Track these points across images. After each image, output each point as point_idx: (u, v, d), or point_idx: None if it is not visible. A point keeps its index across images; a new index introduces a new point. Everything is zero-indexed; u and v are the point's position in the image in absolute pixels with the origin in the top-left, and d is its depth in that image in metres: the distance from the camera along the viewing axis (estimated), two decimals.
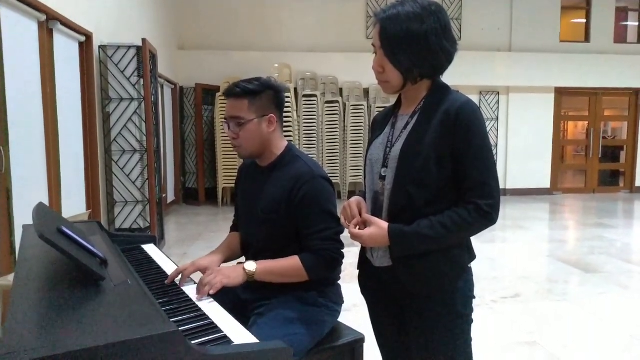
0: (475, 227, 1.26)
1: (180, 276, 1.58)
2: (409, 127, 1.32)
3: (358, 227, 1.33)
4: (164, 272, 1.67)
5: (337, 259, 1.59)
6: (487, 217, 1.24)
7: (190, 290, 1.52)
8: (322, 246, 1.56)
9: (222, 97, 7.91)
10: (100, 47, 4.45)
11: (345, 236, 1.36)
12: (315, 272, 1.57)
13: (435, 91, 1.32)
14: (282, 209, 1.60)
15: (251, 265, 1.52)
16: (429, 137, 1.26)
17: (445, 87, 1.33)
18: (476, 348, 1.41)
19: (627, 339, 2.93)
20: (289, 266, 1.55)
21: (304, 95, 8.09)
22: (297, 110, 7.98)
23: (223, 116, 1.67)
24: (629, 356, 2.71)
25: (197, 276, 1.66)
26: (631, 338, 2.94)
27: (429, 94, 1.33)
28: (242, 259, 1.81)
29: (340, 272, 1.74)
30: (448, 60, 1.30)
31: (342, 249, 1.61)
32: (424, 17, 1.24)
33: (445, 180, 1.26)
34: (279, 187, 1.62)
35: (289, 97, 7.49)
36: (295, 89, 8.21)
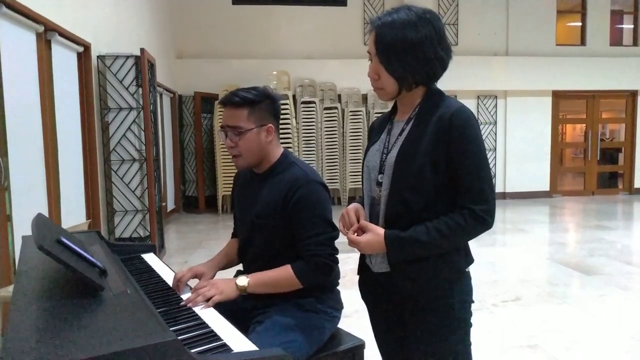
0: (471, 232, 1.26)
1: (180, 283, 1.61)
2: (404, 133, 1.33)
3: (356, 233, 1.34)
4: (164, 281, 1.68)
5: (330, 265, 1.58)
6: (482, 222, 1.25)
7: None
8: (315, 252, 1.56)
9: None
10: (98, 57, 4.47)
11: (343, 242, 1.36)
12: (308, 280, 1.57)
13: (429, 97, 1.33)
14: (277, 214, 1.60)
15: (243, 280, 1.53)
16: (424, 144, 1.27)
17: (440, 93, 1.34)
18: (477, 352, 1.41)
19: (628, 341, 2.92)
20: (282, 276, 1.56)
21: (303, 102, 8.11)
22: (295, 117, 8.00)
23: (222, 125, 1.67)
24: (630, 358, 2.71)
25: (194, 282, 1.67)
26: (632, 339, 2.94)
27: (423, 100, 1.34)
28: (240, 266, 1.83)
29: (338, 277, 1.74)
30: (442, 67, 1.31)
31: (336, 254, 1.61)
32: (419, 24, 1.25)
33: (440, 186, 1.27)
34: (274, 193, 1.62)
35: (287, 104, 7.50)
36: (294, 96, 8.23)
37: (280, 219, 1.60)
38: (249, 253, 1.73)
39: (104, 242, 1.87)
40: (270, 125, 1.65)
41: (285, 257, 1.62)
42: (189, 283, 1.66)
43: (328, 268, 1.59)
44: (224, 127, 1.64)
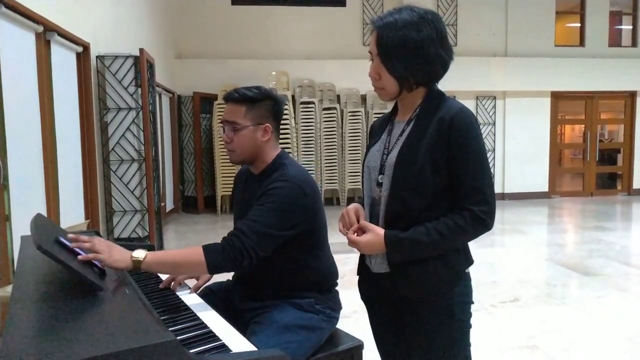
0: (471, 233, 1.26)
1: (173, 282, 1.61)
2: (405, 134, 1.33)
3: (356, 233, 1.33)
4: (162, 281, 1.68)
5: (242, 255, 1.43)
6: (482, 224, 1.25)
7: (188, 299, 1.53)
8: (236, 234, 1.45)
9: (221, 104, 7.92)
10: (97, 57, 4.47)
11: (343, 242, 1.36)
12: (216, 266, 1.43)
13: (430, 98, 1.33)
14: None
15: (140, 253, 1.38)
16: (424, 145, 1.27)
17: (441, 94, 1.34)
18: (476, 353, 1.41)
19: (626, 342, 2.92)
20: (188, 257, 1.44)
21: (302, 103, 8.11)
22: (294, 118, 8.00)
23: (221, 119, 1.69)
24: (628, 358, 2.71)
25: (191, 282, 1.67)
26: (630, 340, 2.94)
27: (424, 101, 1.34)
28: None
29: (337, 278, 1.74)
30: (444, 68, 1.31)
31: (259, 253, 1.46)
32: (421, 25, 1.25)
33: (440, 187, 1.27)
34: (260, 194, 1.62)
35: (286, 105, 7.50)
36: (293, 97, 8.24)
37: None
38: None
39: None
40: (268, 125, 1.65)
41: (278, 259, 1.59)
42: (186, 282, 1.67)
43: (240, 258, 1.43)
44: (223, 121, 1.66)
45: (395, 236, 1.28)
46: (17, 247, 2.18)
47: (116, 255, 1.36)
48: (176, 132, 8.07)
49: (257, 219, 1.48)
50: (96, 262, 1.33)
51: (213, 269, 1.44)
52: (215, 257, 1.42)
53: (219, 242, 1.45)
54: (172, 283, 1.61)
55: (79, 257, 1.28)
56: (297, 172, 1.62)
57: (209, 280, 1.71)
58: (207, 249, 1.43)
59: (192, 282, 1.66)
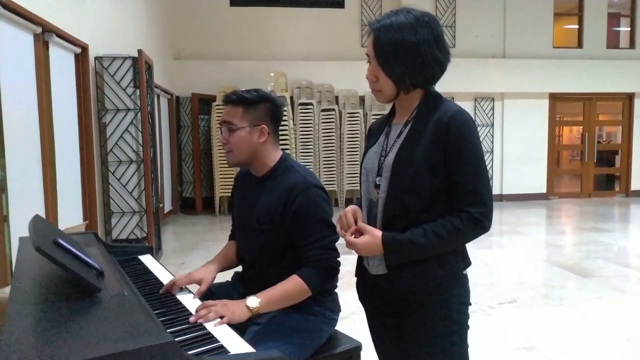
0: (468, 235, 1.27)
1: (173, 287, 1.61)
2: (402, 136, 1.33)
3: (353, 235, 1.34)
4: (161, 282, 1.68)
5: (335, 268, 1.60)
6: (479, 225, 1.25)
7: (186, 300, 1.52)
8: (321, 256, 1.57)
9: (219, 106, 7.93)
10: (96, 58, 4.46)
11: (341, 244, 1.36)
12: (317, 286, 1.57)
13: (427, 100, 1.34)
14: (276, 220, 1.61)
15: (253, 302, 1.48)
16: (422, 147, 1.27)
17: (438, 96, 1.35)
18: (473, 354, 1.41)
19: (624, 343, 2.93)
20: (291, 289, 1.54)
21: (300, 104, 8.12)
22: (293, 119, 8.01)
23: (219, 121, 1.71)
24: None
25: (192, 287, 1.67)
26: (628, 342, 2.94)
27: (421, 103, 1.34)
28: (238, 268, 1.82)
29: (337, 280, 1.75)
30: (440, 70, 1.32)
31: (339, 257, 1.61)
32: (417, 27, 1.26)
33: (438, 189, 1.28)
34: (273, 198, 1.63)
35: (285, 107, 7.52)
36: (291, 98, 8.24)
37: (279, 224, 1.61)
38: (248, 256, 1.73)
39: (100, 244, 1.87)
40: (264, 126, 1.65)
41: (282, 261, 1.62)
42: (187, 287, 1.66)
43: (335, 271, 1.61)
44: (221, 122, 1.68)
45: (392, 238, 1.28)
46: (16, 248, 2.18)
47: (237, 312, 1.42)
48: (174, 133, 8.07)
49: (318, 236, 1.57)
50: (94, 264, 1.33)
51: (315, 290, 1.57)
52: (314, 280, 1.55)
53: (308, 267, 1.56)
54: (172, 287, 1.60)
55: (216, 324, 1.34)
56: (307, 173, 1.68)
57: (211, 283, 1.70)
58: (303, 276, 1.55)
59: (192, 287, 1.65)
